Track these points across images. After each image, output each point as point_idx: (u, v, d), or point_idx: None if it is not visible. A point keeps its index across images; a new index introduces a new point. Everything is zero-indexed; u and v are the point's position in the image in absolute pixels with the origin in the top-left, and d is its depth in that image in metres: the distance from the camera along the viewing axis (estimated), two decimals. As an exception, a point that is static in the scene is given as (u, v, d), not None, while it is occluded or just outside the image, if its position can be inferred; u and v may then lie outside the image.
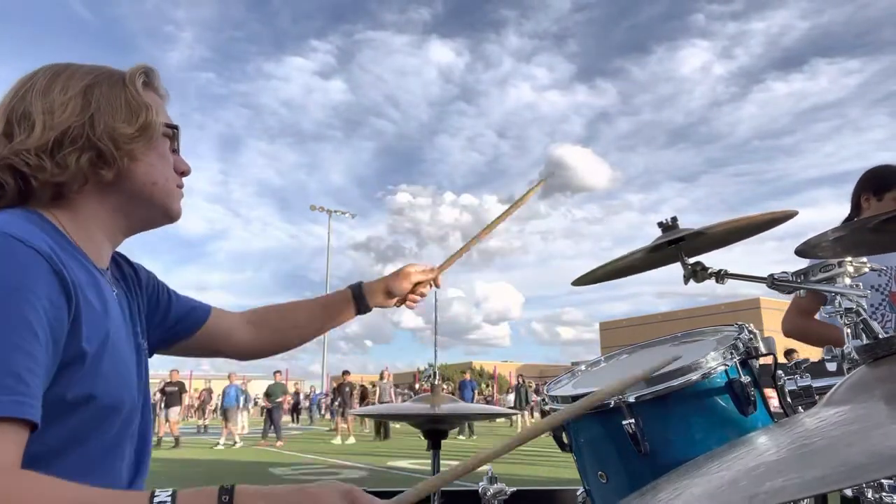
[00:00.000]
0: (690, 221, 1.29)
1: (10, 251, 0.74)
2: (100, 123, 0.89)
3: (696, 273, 1.29)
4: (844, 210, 2.60)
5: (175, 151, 1.03)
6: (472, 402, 15.99)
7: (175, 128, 1.03)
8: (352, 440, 15.68)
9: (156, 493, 0.68)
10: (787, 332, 2.52)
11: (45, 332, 0.73)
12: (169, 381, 15.87)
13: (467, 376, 19.28)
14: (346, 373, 18.14)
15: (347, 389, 16.90)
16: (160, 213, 1.00)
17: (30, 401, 0.69)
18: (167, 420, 15.19)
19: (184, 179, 1.05)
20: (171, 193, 1.00)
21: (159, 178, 0.97)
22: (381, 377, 17.70)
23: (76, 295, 0.79)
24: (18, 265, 0.73)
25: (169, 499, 0.67)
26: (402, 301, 1.47)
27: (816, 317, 2.51)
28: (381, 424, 16.25)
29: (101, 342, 0.83)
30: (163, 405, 15.08)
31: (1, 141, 0.87)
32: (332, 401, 18.47)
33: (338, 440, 15.59)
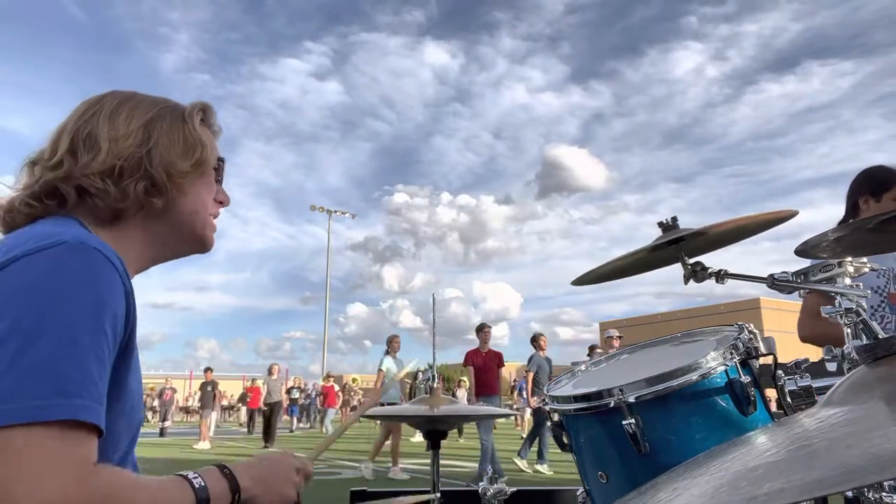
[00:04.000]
0: (687, 222, 1.30)
1: (96, 263, 0.78)
2: (157, 156, 0.94)
3: (696, 273, 1.29)
4: (841, 210, 2.61)
5: (219, 181, 1.08)
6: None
7: (222, 160, 1.08)
8: (206, 444, 13.71)
9: (187, 475, 0.82)
10: (805, 338, 2.40)
11: (110, 348, 0.77)
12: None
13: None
14: (208, 370, 15.96)
15: (210, 389, 15.10)
16: (196, 241, 1.04)
17: (102, 410, 0.74)
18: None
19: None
20: (207, 224, 1.04)
21: (201, 208, 1.02)
22: (270, 373, 14.69)
23: (135, 313, 0.83)
24: (103, 278, 0.77)
25: (200, 478, 0.82)
26: None
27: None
28: (269, 425, 14.06)
29: (137, 360, 0.87)
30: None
31: (67, 158, 0.90)
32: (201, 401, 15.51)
33: (204, 444, 13.66)
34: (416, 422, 1.77)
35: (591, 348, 10.12)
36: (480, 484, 1.63)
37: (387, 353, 8.96)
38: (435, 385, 1.79)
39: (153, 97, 1.01)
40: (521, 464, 8.79)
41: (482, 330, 8.53)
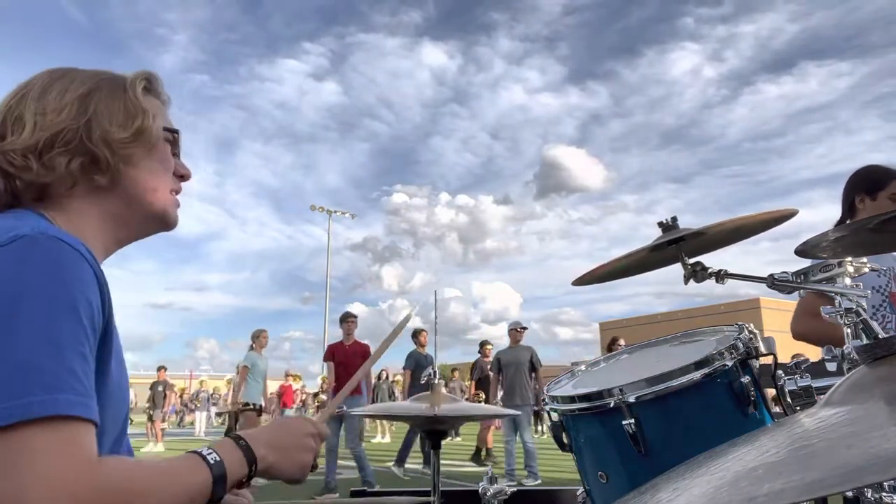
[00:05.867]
0: (685, 222, 1.30)
1: (61, 253, 0.74)
2: (96, 129, 0.88)
3: (696, 273, 1.29)
4: (839, 210, 2.62)
5: (176, 155, 1.02)
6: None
7: (175, 132, 1.01)
8: (160, 447, 13.30)
9: (201, 451, 0.79)
10: (798, 335, 2.41)
11: (90, 339, 0.73)
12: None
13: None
14: (161, 369, 15.47)
15: (161, 389, 14.66)
16: (157, 220, 0.98)
17: (93, 403, 0.71)
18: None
19: (182, 184, 1.04)
20: (169, 200, 0.99)
21: (159, 185, 0.96)
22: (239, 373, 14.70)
23: (110, 300, 0.79)
24: (71, 268, 0.74)
25: (214, 452, 0.79)
26: None
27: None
28: (235, 422, 13.39)
29: (118, 348, 0.84)
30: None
31: None
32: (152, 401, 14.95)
33: (158, 447, 13.25)
34: (416, 421, 1.76)
35: (482, 344, 9.79)
36: (480, 484, 1.62)
37: (251, 348, 8.19)
38: (436, 382, 1.78)
39: (91, 70, 0.95)
40: (398, 471, 8.23)
41: (346, 320, 7.41)
